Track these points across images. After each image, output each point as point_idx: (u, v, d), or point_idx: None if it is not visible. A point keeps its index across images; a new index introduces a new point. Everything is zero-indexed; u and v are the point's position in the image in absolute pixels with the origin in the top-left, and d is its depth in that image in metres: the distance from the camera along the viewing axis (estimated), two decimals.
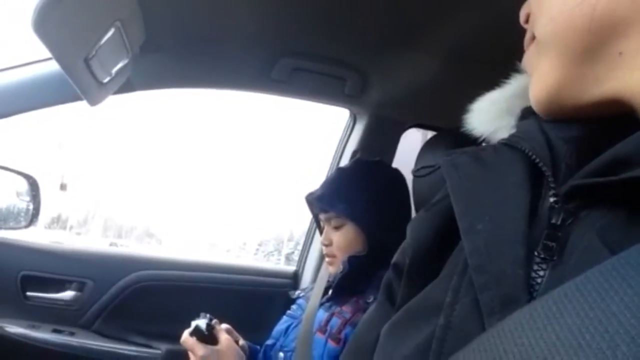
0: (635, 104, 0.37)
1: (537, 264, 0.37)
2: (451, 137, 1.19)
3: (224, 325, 1.21)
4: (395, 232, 0.70)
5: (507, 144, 0.45)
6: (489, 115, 0.53)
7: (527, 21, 0.48)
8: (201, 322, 1.13)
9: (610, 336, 0.25)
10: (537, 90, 0.44)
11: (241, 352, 1.17)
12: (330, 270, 1.29)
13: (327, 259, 1.31)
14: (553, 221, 0.38)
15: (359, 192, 1.25)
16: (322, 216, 1.32)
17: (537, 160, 0.41)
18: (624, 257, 0.28)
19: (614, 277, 0.27)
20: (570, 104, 0.41)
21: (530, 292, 0.36)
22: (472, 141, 0.55)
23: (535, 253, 0.37)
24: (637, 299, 0.25)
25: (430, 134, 1.62)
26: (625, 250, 0.29)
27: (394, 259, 0.54)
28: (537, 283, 0.36)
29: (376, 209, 1.23)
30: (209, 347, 1.11)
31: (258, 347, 1.30)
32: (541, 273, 0.36)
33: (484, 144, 0.55)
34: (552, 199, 0.39)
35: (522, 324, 0.29)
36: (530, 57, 0.46)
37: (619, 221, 0.33)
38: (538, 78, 0.44)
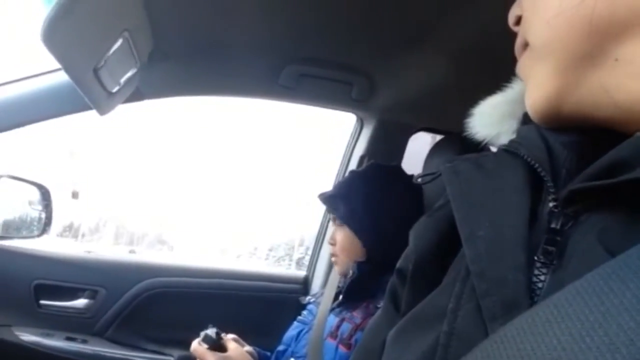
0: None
1: (538, 268, 0.37)
2: (459, 140, 1.18)
3: (231, 335, 1.22)
4: (394, 242, 0.70)
5: (507, 150, 0.45)
6: (491, 119, 0.52)
7: (517, 23, 0.46)
8: (210, 332, 1.14)
9: (609, 339, 0.25)
10: (535, 98, 0.42)
11: (251, 358, 1.18)
12: (337, 270, 1.29)
13: (332, 258, 1.32)
14: (553, 226, 0.38)
15: (358, 197, 1.24)
16: (330, 215, 1.33)
17: (537, 165, 0.41)
18: (622, 260, 0.28)
19: (613, 280, 0.27)
20: (568, 112, 0.40)
21: (531, 297, 0.36)
22: (479, 144, 0.55)
23: (536, 258, 0.37)
24: (635, 301, 0.25)
25: (439, 137, 1.62)
26: (624, 252, 0.29)
27: (398, 264, 0.54)
28: (539, 288, 0.36)
29: (373, 216, 1.22)
30: (219, 354, 1.12)
31: (268, 353, 1.30)
32: (542, 277, 0.36)
33: (490, 147, 0.55)
34: (551, 204, 0.39)
35: (523, 329, 0.29)
36: (524, 65, 0.44)
37: (618, 224, 0.33)
38: (534, 86, 0.42)
